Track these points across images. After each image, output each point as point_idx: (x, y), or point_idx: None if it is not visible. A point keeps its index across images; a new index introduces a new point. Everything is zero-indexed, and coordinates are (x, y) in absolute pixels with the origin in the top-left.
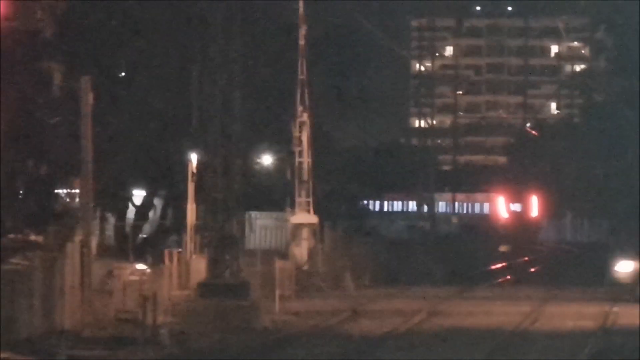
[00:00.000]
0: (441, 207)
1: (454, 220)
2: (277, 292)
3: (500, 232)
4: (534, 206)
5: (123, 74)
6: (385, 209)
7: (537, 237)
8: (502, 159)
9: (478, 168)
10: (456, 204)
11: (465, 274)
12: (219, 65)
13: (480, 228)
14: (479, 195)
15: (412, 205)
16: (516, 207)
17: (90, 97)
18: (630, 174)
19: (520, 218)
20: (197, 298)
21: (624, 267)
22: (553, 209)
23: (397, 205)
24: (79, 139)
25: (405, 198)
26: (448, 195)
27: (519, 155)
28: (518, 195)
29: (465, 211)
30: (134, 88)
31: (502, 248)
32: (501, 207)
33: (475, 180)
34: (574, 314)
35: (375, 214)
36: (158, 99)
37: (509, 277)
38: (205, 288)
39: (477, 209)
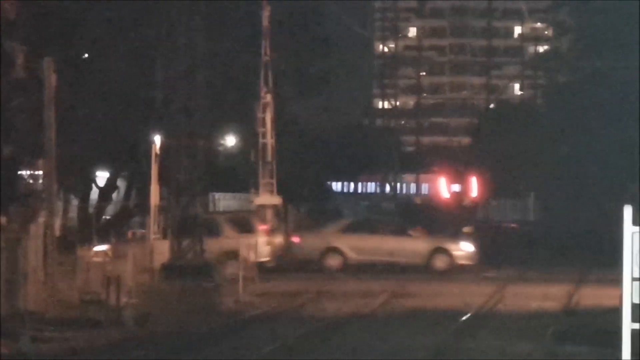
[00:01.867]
0: (404, 188)
1: (417, 201)
2: (241, 274)
3: (439, 212)
4: (474, 187)
5: (86, 55)
6: (349, 190)
7: (472, 217)
8: (465, 140)
9: (440, 149)
10: (404, 185)
11: None
12: (182, 46)
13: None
14: (424, 177)
15: (377, 187)
16: (456, 187)
17: (53, 79)
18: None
19: (459, 199)
20: (160, 279)
21: None
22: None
23: (361, 187)
24: (42, 120)
25: (369, 179)
26: (411, 177)
27: (482, 135)
28: (459, 176)
29: (414, 192)
30: (98, 69)
31: (465, 229)
32: (442, 188)
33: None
34: (538, 294)
35: (340, 195)
36: (122, 80)
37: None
38: (169, 269)
39: (423, 190)
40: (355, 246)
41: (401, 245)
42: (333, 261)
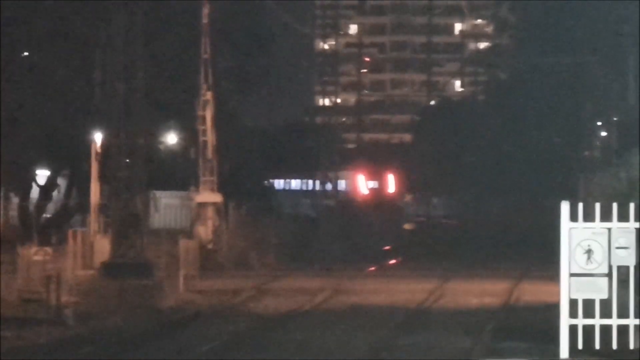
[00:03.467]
0: (343, 185)
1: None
2: (182, 272)
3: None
4: (391, 183)
5: (25, 53)
6: (290, 187)
7: (402, 214)
8: (407, 137)
9: (382, 146)
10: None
11: (367, 251)
12: (121, 44)
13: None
14: (344, 173)
15: (317, 184)
16: (374, 184)
17: None
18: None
19: (378, 195)
20: (101, 278)
21: None
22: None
23: (301, 184)
24: None
25: (309, 177)
26: (350, 174)
27: (423, 132)
28: (377, 173)
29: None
30: (37, 66)
31: (407, 226)
32: (361, 184)
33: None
34: (478, 291)
35: (280, 192)
36: (62, 79)
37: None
38: (109, 268)
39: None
40: None
41: None
42: None
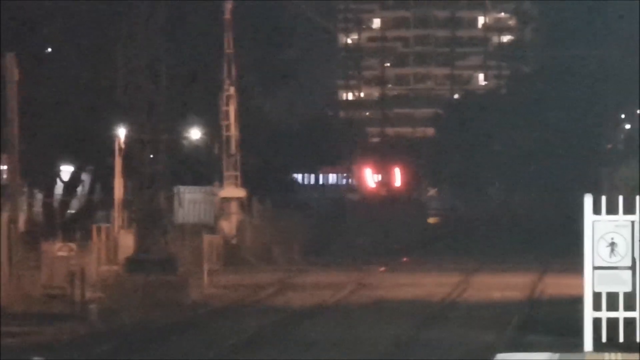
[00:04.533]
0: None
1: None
2: (206, 267)
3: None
4: (397, 177)
5: (49, 50)
6: (314, 182)
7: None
8: (430, 130)
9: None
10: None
11: (393, 245)
12: (144, 39)
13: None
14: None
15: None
16: (379, 177)
17: (15, 73)
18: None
19: (387, 189)
20: (125, 273)
21: None
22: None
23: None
24: (5, 115)
25: (332, 171)
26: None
27: (447, 126)
28: (383, 167)
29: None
30: (61, 63)
31: (431, 220)
32: (368, 178)
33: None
34: (501, 284)
35: (304, 187)
36: (85, 75)
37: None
38: (133, 263)
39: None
40: None
41: None
42: None
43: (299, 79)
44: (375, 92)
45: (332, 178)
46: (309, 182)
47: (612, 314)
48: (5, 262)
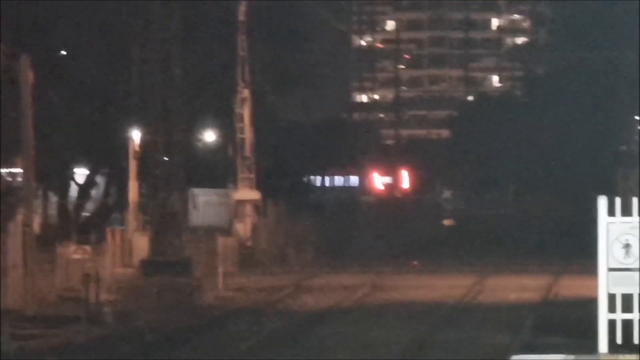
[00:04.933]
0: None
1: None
2: (220, 269)
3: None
4: (405, 179)
5: (64, 52)
6: (328, 184)
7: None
8: (444, 132)
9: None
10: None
11: (407, 246)
12: (158, 41)
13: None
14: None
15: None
16: (387, 180)
17: (29, 76)
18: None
19: (395, 191)
20: (139, 276)
21: None
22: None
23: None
24: (19, 117)
25: (347, 173)
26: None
27: (461, 128)
28: (391, 169)
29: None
30: (75, 65)
31: (446, 222)
32: (376, 180)
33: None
34: (516, 286)
35: (318, 189)
36: (99, 77)
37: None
38: (148, 265)
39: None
40: None
41: None
42: None
43: (313, 81)
44: (390, 94)
45: (345, 180)
46: (323, 184)
47: (627, 316)
48: (20, 265)
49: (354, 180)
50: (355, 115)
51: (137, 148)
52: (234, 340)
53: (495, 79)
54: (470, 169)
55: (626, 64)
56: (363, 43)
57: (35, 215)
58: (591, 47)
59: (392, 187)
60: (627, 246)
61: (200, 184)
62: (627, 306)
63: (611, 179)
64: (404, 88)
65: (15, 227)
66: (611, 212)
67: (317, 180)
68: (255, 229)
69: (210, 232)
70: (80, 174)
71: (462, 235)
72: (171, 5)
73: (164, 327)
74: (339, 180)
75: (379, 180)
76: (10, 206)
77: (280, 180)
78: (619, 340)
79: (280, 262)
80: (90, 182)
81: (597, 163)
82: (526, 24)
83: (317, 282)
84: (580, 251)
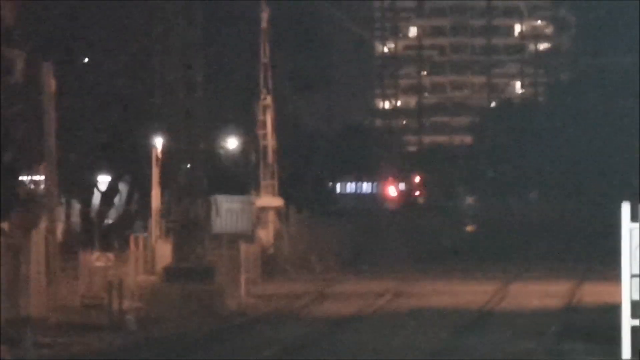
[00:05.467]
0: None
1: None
2: (243, 276)
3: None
4: (418, 186)
5: (86, 59)
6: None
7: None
8: (467, 139)
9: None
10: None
11: (431, 253)
12: (180, 47)
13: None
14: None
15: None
16: (402, 186)
17: (52, 83)
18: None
19: (408, 197)
20: (162, 283)
21: None
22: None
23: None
24: (42, 125)
25: (371, 180)
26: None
27: (484, 134)
28: (404, 176)
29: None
30: (97, 73)
31: (469, 228)
32: (390, 187)
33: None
34: (540, 292)
35: (341, 196)
36: (121, 84)
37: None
38: (171, 273)
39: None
40: None
41: None
42: None
43: (335, 87)
44: (412, 101)
45: (367, 187)
46: (345, 190)
47: None
48: (44, 273)
49: (375, 186)
50: (378, 122)
51: (159, 155)
52: (255, 347)
53: (518, 85)
54: (493, 175)
55: None
56: (385, 49)
57: (59, 223)
58: (615, 51)
59: (414, 193)
60: None
61: (223, 190)
62: None
63: (635, 185)
64: (426, 94)
65: (38, 235)
66: (634, 218)
67: (339, 186)
68: (277, 235)
69: (233, 239)
70: (103, 181)
71: (485, 241)
72: (193, 11)
73: (187, 334)
74: (360, 187)
75: (393, 187)
76: (33, 214)
77: (303, 186)
78: None
79: (303, 269)
80: (113, 190)
81: (622, 169)
82: (549, 30)
83: (340, 288)
84: (605, 257)
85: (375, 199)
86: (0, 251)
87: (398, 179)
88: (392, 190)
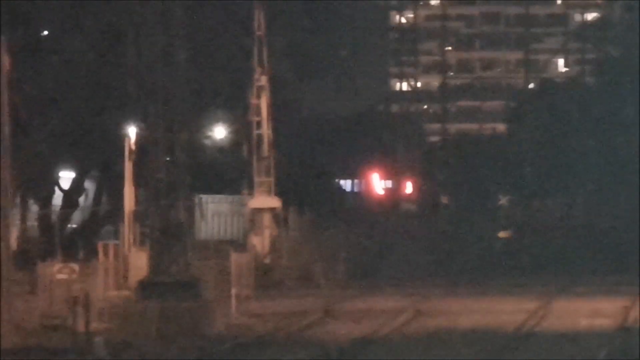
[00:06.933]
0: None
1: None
2: (234, 291)
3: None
4: (408, 184)
5: (46, 32)
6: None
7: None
8: (500, 127)
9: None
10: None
11: (458, 264)
12: (159, 19)
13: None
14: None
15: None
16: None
17: (5, 60)
18: None
19: (395, 196)
20: (137, 299)
21: None
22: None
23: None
24: None
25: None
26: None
27: (520, 121)
28: (393, 173)
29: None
30: (61, 49)
31: (502, 234)
32: (376, 184)
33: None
34: (588, 310)
35: (350, 195)
36: (88, 63)
37: None
38: (147, 287)
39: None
40: None
41: None
42: None
43: (343, 66)
44: (435, 82)
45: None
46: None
47: None
48: None
49: (390, 184)
50: (394, 107)
51: (133, 147)
52: None
53: (560, 63)
54: (531, 170)
55: None
56: (403, 20)
57: (12, 229)
58: None
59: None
60: None
61: (210, 189)
62: None
63: None
64: (452, 74)
65: None
66: None
67: (349, 184)
68: (274, 242)
69: (222, 246)
70: (66, 178)
71: (521, 250)
72: None
73: None
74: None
75: (378, 184)
76: None
77: (305, 184)
78: None
79: (305, 282)
80: (77, 188)
81: None
82: None
83: (349, 305)
84: None
85: (393, 197)
86: None
87: (385, 175)
88: (378, 188)
